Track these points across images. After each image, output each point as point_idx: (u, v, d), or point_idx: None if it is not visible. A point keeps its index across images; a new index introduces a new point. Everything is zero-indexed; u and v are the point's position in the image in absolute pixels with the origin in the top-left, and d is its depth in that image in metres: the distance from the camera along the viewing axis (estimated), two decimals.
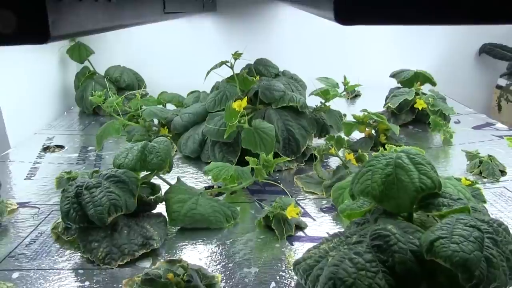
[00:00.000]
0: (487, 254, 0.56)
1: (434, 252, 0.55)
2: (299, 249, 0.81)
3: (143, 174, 0.93)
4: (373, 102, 1.54)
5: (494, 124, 1.44)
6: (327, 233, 0.86)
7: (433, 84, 1.52)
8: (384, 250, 0.59)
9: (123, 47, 1.95)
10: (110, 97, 1.34)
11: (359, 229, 0.67)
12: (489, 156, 1.11)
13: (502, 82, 1.95)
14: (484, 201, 0.87)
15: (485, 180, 1.06)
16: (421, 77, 1.51)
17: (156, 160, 0.91)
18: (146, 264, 0.78)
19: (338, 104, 1.42)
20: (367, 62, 2.02)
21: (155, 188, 0.93)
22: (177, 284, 0.64)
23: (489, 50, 1.97)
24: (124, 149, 0.93)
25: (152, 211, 0.92)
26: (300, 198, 1.01)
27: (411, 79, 1.51)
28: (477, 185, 0.94)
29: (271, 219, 0.85)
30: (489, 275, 0.55)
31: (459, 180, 0.90)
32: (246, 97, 1.17)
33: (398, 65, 1.65)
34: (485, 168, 1.08)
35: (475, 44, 2.04)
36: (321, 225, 0.89)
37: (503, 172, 1.08)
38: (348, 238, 0.64)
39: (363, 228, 0.67)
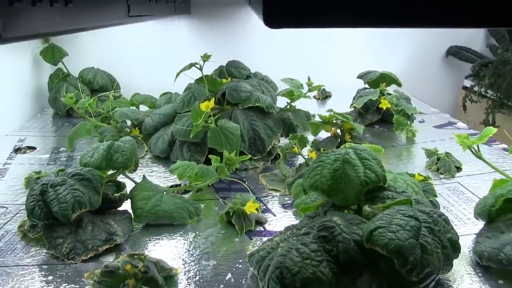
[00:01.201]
0: (422, 242, 0.60)
1: (373, 240, 0.59)
2: (257, 243, 0.84)
3: (111, 172, 0.96)
4: (343, 102, 1.58)
5: (456, 123, 1.49)
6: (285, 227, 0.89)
7: (399, 84, 1.57)
8: (329, 240, 0.62)
9: (97, 49, 1.97)
10: (82, 98, 1.37)
11: (309, 222, 0.70)
12: (447, 153, 1.15)
13: (467, 83, 2.00)
14: (435, 195, 0.91)
15: (441, 176, 1.11)
16: (387, 78, 1.56)
17: (122, 159, 0.94)
18: (110, 258, 0.81)
19: (308, 105, 1.46)
20: (338, 64, 2.06)
21: (120, 186, 0.96)
22: (135, 275, 0.67)
23: (455, 52, 2.03)
24: (91, 148, 0.95)
25: (118, 208, 0.94)
26: (264, 195, 1.04)
27: (377, 80, 1.56)
28: (433, 181, 0.99)
29: (231, 214, 0.88)
30: (423, 260, 0.59)
31: (412, 175, 0.94)
32: (213, 97, 1.20)
33: (368, 66, 1.69)
34: (442, 164, 1.12)
35: (442, 47, 2.10)
36: (281, 221, 0.92)
37: (459, 169, 1.13)
38: (298, 231, 0.68)
39: (314, 220, 0.70)
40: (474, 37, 2.08)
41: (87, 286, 0.71)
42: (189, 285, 0.72)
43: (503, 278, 0.72)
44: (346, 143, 0.99)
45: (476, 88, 1.85)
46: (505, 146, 1.25)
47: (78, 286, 0.73)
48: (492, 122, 1.71)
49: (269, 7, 0.42)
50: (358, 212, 0.73)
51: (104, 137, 1.36)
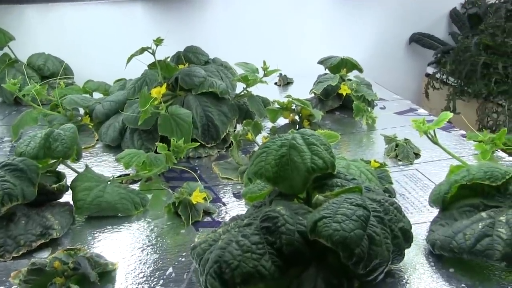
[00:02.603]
0: (370, 232, 0.56)
1: (317, 231, 0.55)
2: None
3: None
4: (305, 89, 1.54)
5: (417, 110, 1.46)
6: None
7: (360, 70, 1.53)
8: (273, 231, 0.58)
9: (47, 33, 1.87)
10: (28, 85, 1.29)
11: (254, 212, 0.66)
12: (405, 139, 1.12)
13: (430, 70, 1.99)
14: (391, 182, 0.88)
15: (400, 163, 1.08)
16: (348, 64, 1.52)
17: (61, 147, 0.88)
18: (44, 254, 0.75)
19: (269, 92, 1.41)
20: (300, 50, 2.02)
21: (60, 177, 0.90)
22: (64, 272, 0.62)
23: (418, 39, 2.01)
24: (28, 137, 0.89)
25: (59, 200, 0.88)
26: (216, 184, 0.99)
27: (338, 66, 1.52)
28: (391, 168, 0.96)
29: (177, 205, 0.84)
30: (370, 252, 0.55)
31: (368, 162, 0.91)
32: (165, 83, 1.14)
33: (332, 52, 1.65)
34: (401, 151, 1.09)
35: (406, 34, 2.08)
36: (231, 211, 0.88)
37: (417, 155, 1.10)
38: (241, 221, 0.63)
39: (259, 210, 0.66)
40: (436, 24, 2.07)
41: (14, 287, 0.65)
42: (126, 280, 0.67)
43: (454, 266, 0.69)
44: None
45: (438, 75, 1.84)
46: (463, 132, 1.23)
47: (3, 287, 0.67)
48: (453, 109, 1.70)
49: None
50: (308, 201, 0.69)
51: (53, 125, 1.29)
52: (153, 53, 1.21)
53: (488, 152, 1.04)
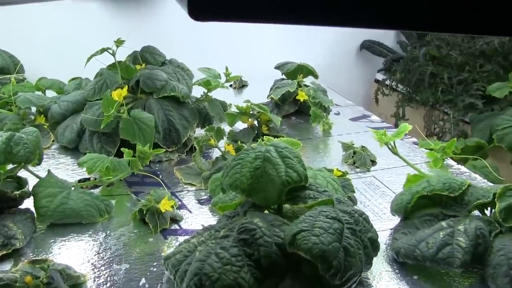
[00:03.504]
0: (345, 244, 0.59)
1: (296, 245, 0.57)
2: (173, 243, 0.80)
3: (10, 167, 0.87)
4: (260, 92, 1.56)
5: (370, 116, 1.52)
6: (202, 225, 0.85)
7: (315, 76, 1.57)
8: (250, 244, 0.60)
9: None
10: None
11: (228, 223, 0.67)
12: (362, 147, 1.16)
13: (380, 76, 2.06)
14: (353, 191, 0.91)
15: (357, 169, 1.12)
16: (304, 70, 1.55)
17: (24, 152, 0.85)
18: (7, 266, 0.73)
19: (225, 95, 1.42)
20: (255, 53, 2.04)
21: (21, 182, 0.88)
22: (36, 287, 0.60)
23: (369, 46, 2.08)
24: None
25: (19, 207, 0.86)
26: (179, 190, 1.00)
27: (295, 71, 1.55)
28: (349, 175, 0.99)
29: (145, 212, 0.83)
30: (346, 264, 0.58)
31: (331, 171, 0.94)
32: (126, 86, 1.13)
33: (285, 57, 1.68)
34: (358, 158, 1.13)
35: (357, 40, 2.14)
36: (197, 218, 0.89)
37: (373, 162, 1.14)
38: (217, 232, 0.64)
39: (233, 221, 0.67)
40: (386, 33, 2.14)
41: None
42: None
43: (417, 273, 0.73)
44: (265, 137, 0.97)
45: (387, 82, 1.91)
46: (415, 140, 1.29)
47: None
48: (402, 115, 1.77)
49: None
50: (279, 211, 0.70)
51: (4, 125, 1.25)
52: (114, 54, 1.19)
53: (439, 160, 1.10)
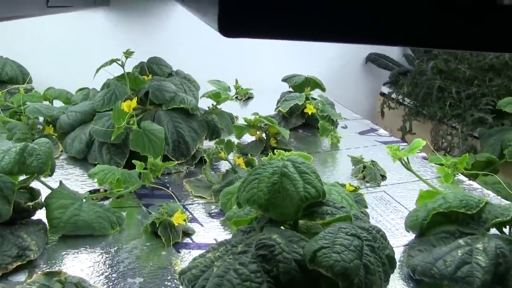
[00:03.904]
0: (365, 262, 0.58)
1: (317, 262, 0.56)
2: (186, 257, 0.79)
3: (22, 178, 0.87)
4: (265, 105, 1.56)
5: (378, 130, 1.51)
6: (215, 239, 0.85)
7: (323, 89, 1.57)
8: (269, 260, 0.59)
9: (5, 37, 1.80)
10: None
11: (245, 238, 0.66)
12: (372, 161, 1.16)
13: (385, 89, 2.06)
14: (366, 206, 0.91)
15: (367, 184, 1.11)
16: (312, 83, 1.55)
17: (37, 163, 0.84)
18: (21, 277, 0.72)
19: (230, 106, 1.41)
20: (260, 65, 2.04)
21: (34, 193, 0.87)
22: None
23: (374, 59, 2.08)
24: (1, 150, 0.85)
25: (31, 218, 0.85)
26: (189, 203, 0.99)
27: (302, 84, 1.55)
28: (360, 190, 0.99)
29: (157, 225, 0.83)
30: (367, 281, 0.57)
31: (343, 186, 0.93)
32: (136, 97, 1.13)
33: (290, 69, 1.68)
34: (368, 173, 1.13)
35: (362, 53, 2.14)
36: (209, 231, 0.88)
37: (383, 177, 1.14)
38: (233, 247, 0.64)
39: (249, 236, 0.66)
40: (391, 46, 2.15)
41: None
42: None
43: None
44: (276, 151, 0.97)
45: (394, 95, 1.91)
46: (424, 154, 1.28)
47: None
48: (409, 129, 1.77)
49: (227, 15, 0.37)
50: (295, 227, 0.70)
51: (13, 134, 1.25)
52: (123, 65, 1.20)
53: (450, 176, 1.09)
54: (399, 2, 0.39)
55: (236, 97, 1.86)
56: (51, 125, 1.27)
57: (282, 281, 0.58)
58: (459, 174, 1.14)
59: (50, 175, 0.89)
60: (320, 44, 2.10)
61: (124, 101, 1.06)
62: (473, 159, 1.17)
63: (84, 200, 0.87)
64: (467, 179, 1.14)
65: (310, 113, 1.42)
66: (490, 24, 0.40)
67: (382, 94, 2.08)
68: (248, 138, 1.33)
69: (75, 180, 1.07)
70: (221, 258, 0.63)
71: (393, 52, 2.15)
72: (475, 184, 1.12)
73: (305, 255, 0.58)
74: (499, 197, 1.05)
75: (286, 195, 0.65)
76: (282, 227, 0.69)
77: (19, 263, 0.73)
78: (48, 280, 0.64)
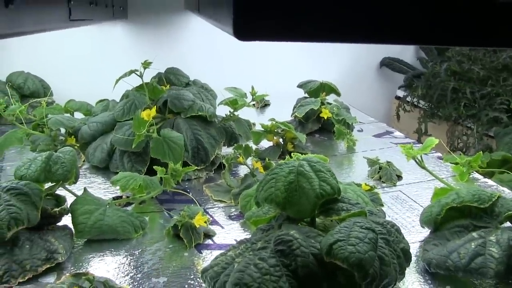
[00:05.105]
0: (380, 254, 0.60)
1: (333, 254, 0.59)
2: (208, 257, 0.82)
3: (47, 185, 0.90)
4: (282, 111, 1.59)
5: (393, 132, 1.53)
6: (235, 240, 0.87)
7: (338, 94, 1.60)
8: (287, 254, 0.61)
9: (27, 52, 1.86)
10: (12, 104, 1.29)
11: (264, 235, 0.69)
12: (387, 162, 1.18)
13: (400, 93, 2.08)
14: (382, 205, 0.93)
15: (384, 184, 1.13)
16: (327, 88, 1.58)
17: (62, 170, 0.89)
18: (51, 279, 0.76)
19: (247, 113, 1.44)
20: (276, 72, 2.07)
21: (60, 200, 0.91)
22: None
23: (389, 64, 2.10)
24: (27, 159, 0.89)
25: (58, 224, 0.89)
26: (209, 207, 1.02)
27: (317, 90, 1.58)
28: (376, 190, 1.01)
29: (179, 228, 0.86)
30: (381, 272, 0.59)
31: (359, 185, 0.95)
32: (155, 106, 1.17)
33: (305, 75, 1.71)
34: (384, 173, 1.15)
35: (376, 58, 2.16)
36: (229, 233, 0.91)
37: (399, 177, 1.16)
38: (253, 244, 0.66)
39: (268, 234, 0.69)
40: (405, 50, 2.17)
41: None
42: None
43: (450, 283, 0.74)
44: (292, 153, 0.99)
45: (409, 98, 1.92)
46: (440, 154, 1.30)
47: None
48: (424, 131, 1.78)
49: (241, 18, 0.40)
50: (312, 224, 0.72)
51: (37, 146, 1.29)
52: (141, 76, 1.24)
53: (465, 174, 1.11)
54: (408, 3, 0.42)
55: (253, 105, 1.90)
56: (73, 136, 1.31)
57: (300, 274, 0.60)
58: (474, 172, 1.15)
59: (75, 183, 0.93)
60: (334, 50, 2.13)
61: (144, 110, 1.10)
62: (489, 158, 1.18)
63: (107, 206, 0.91)
64: (482, 177, 1.16)
65: (326, 118, 1.45)
66: (487, 20, 0.42)
67: (398, 97, 2.10)
68: (265, 143, 1.36)
69: (97, 188, 1.11)
70: (241, 255, 0.66)
71: (407, 55, 2.17)
72: (490, 182, 1.13)
73: (321, 248, 0.60)
74: None
75: (302, 193, 0.68)
76: (300, 225, 0.72)
77: (48, 265, 0.77)
78: (76, 281, 0.68)
